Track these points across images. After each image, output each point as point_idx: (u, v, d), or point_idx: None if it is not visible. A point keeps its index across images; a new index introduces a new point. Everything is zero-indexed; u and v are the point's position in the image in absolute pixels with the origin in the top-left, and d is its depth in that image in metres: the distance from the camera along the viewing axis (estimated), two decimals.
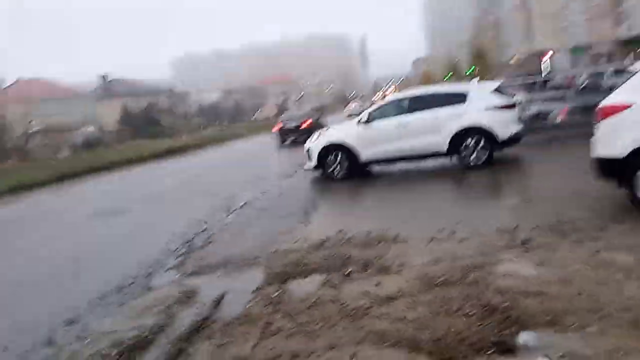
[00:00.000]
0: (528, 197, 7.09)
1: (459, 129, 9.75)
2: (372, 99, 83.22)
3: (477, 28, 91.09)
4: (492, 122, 9.65)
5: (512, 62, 59.20)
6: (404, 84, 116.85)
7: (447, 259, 4.90)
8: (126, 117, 58.84)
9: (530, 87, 18.27)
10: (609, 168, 5.61)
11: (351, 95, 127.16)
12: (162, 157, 25.86)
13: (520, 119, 10.56)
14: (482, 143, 9.68)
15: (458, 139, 9.78)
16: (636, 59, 46.51)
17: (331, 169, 10.85)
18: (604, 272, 4.05)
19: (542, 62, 69.02)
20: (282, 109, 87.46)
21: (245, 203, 9.58)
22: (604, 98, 5.85)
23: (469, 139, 9.73)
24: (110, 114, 58.84)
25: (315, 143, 11.24)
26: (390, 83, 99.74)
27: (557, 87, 27.02)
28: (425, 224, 6.30)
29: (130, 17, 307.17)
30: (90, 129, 56.05)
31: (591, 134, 5.83)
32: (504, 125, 9.68)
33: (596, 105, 5.90)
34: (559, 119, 15.59)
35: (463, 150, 9.82)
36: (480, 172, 9.49)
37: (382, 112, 10.73)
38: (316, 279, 4.94)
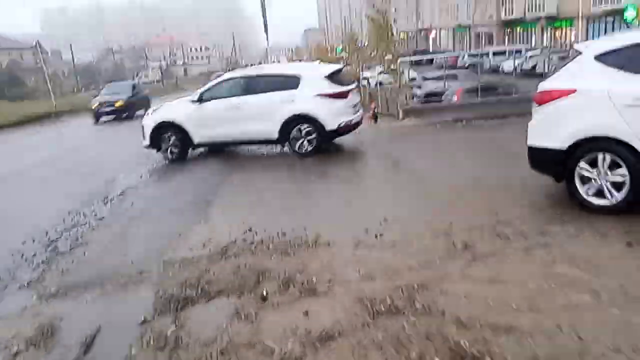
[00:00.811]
0: (449, 186, 6.49)
1: (289, 115, 9.22)
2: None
3: (368, 2, 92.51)
4: (320, 110, 9.12)
5: (400, 37, 60.65)
6: (296, 54, 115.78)
7: (383, 272, 4.06)
8: None
9: (418, 65, 18.27)
10: (548, 160, 5.12)
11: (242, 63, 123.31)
12: (22, 124, 22.24)
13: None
14: (310, 132, 9.23)
15: (288, 127, 9.28)
16: (510, 40, 50.38)
17: (166, 149, 10.13)
18: (571, 293, 3.46)
19: (429, 40, 72.15)
20: (166, 72, 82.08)
21: (126, 189, 8.01)
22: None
23: (298, 127, 9.25)
24: None
25: (147, 120, 10.34)
26: (282, 53, 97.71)
27: (441, 66, 27.48)
28: (342, 218, 5.46)
29: None
30: None
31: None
32: (333, 115, 9.14)
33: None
34: (454, 99, 15.70)
35: (292, 139, 9.34)
36: (398, 151, 8.95)
37: (216, 92, 9.91)
38: (224, 306, 3.83)
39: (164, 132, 10.02)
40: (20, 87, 46.91)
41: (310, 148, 9.26)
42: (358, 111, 9.84)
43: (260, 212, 6.02)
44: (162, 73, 78.81)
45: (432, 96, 16.82)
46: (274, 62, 19.57)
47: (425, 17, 73.72)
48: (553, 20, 42.62)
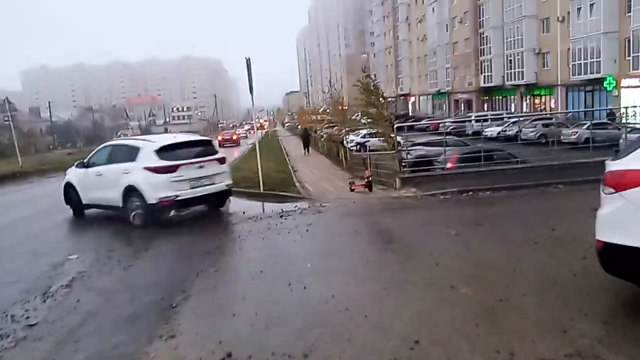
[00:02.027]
0: (482, 282, 5.16)
1: (124, 186, 9.52)
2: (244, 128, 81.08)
3: (349, 66, 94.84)
4: (143, 183, 9.25)
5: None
6: (277, 115, 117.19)
7: None
8: None
9: (399, 130, 17.52)
10: (631, 262, 3.85)
11: (223, 122, 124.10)
12: None
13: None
14: (138, 204, 9.35)
15: (127, 197, 9.49)
16: (490, 107, 51.18)
17: (72, 207, 11.20)
18: None
19: (408, 104, 73.36)
20: (146, 132, 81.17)
21: (73, 278, 6.42)
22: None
23: (131, 198, 9.43)
24: None
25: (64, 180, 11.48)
26: (263, 113, 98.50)
27: (423, 130, 26.76)
28: (359, 338, 4.03)
29: None
30: None
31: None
32: (154, 189, 9.16)
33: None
34: (448, 165, 14.73)
35: (129, 209, 9.49)
36: (402, 230, 7.55)
37: (95, 159, 10.79)
38: None
39: (69, 192, 11.13)
40: None
41: (138, 221, 9.36)
42: (197, 187, 9.57)
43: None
44: (141, 132, 77.89)
45: (421, 161, 15.74)
46: (256, 122, 18.65)
47: (404, 83, 75.28)
48: (532, 88, 43.40)
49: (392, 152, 14.43)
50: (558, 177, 11.24)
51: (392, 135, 14.59)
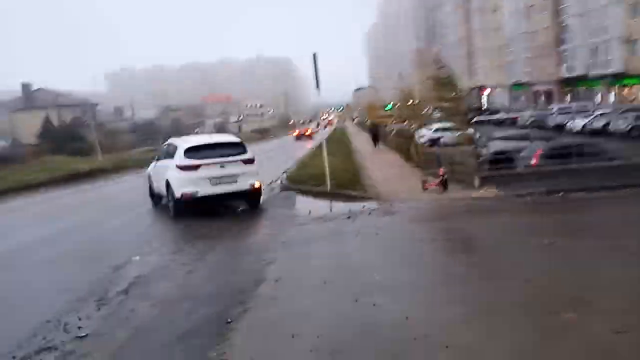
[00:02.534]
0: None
1: (165, 179, 10.63)
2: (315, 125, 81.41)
3: (420, 60, 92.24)
4: (173, 179, 10.28)
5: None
6: (345, 112, 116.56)
7: None
8: (47, 130, 53.03)
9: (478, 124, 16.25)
10: None
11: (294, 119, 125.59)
12: (66, 181, 21.44)
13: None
14: (171, 197, 10.30)
15: (167, 189, 10.58)
16: (574, 99, 47.60)
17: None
18: None
19: (482, 97, 70.12)
20: (221, 129, 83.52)
21: (131, 284, 6.15)
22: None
23: (169, 191, 10.43)
24: (31, 127, 52.61)
25: None
26: (332, 110, 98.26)
27: (499, 123, 24.91)
28: None
29: (65, 29, 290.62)
30: (1, 143, 50.05)
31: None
32: (179, 184, 10.07)
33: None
34: (532, 162, 13.42)
35: (168, 201, 10.59)
36: (492, 240, 6.69)
37: (161, 154, 11.96)
38: None
39: (149, 182, 12.69)
40: (80, 142, 47.97)
41: (171, 212, 10.43)
42: (218, 185, 10.19)
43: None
44: (216, 130, 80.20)
45: (501, 157, 14.45)
46: (325, 118, 18.43)
47: (479, 75, 72.04)
48: (620, 78, 39.78)
49: (469, 147, 13.35)
50: None
51: (469, 129, 13.49)
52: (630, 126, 25.12)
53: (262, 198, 11.23)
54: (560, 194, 9.40)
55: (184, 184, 9.99)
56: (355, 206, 10.11)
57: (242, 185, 10.37)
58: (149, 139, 74.74)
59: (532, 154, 13.84)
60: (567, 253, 5.80)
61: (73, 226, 10.87)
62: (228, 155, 10.41)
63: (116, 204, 14.30)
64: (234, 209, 11.11)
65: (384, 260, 6.30)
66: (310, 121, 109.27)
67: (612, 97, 41.56)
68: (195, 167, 10.03)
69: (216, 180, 10.13)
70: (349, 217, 8.94)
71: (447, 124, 28.35)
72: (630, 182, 9.62)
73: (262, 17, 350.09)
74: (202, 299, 5.30)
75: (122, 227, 10.45)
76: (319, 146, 15.34)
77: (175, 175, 10.18)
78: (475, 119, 15.44)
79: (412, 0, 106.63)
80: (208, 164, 10.10)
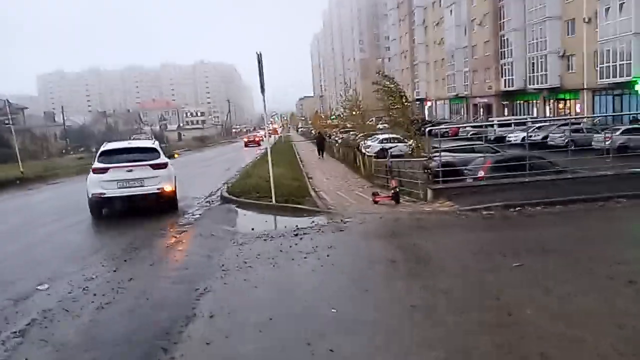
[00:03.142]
0: None
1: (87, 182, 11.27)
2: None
3: (364, 71, 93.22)
4: (87, 181, 11.10)
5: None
6: (291, 120, 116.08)
7: None
8: None
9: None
10: None
11: (236, 127, 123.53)
12: None
13: None
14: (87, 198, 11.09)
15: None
16: (510, 112, 49.25)
17: None
18: None
19: (424, 109, 71.54)
20: (159, 136, 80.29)
21: (30, 322, 4.95)
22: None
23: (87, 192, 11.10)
24: None
25: None
26: (277, 117, 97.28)
27: (441, 135, 25.04)
28: None
29: None
30: None
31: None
32: (91, 186, 10.88)
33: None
34: (480, 174, 13.14)
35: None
36: (457, 266, 5.99)
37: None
38: None
39: None
40: (7, 148, 44.20)
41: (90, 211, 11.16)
42: (124, 187, 10.73)
43: None
44: (154, 137, 77.06)
45: (448, 170, 14.08)
46: (269, 127, 17.67)
47: (420, 87, 73.55)
48: (556, 92, 41.50)
49: (421, 159, 12.89)
50: (616, 189, 9.59)
51: (420, 140, 13.03)
52: (567, 139, 25.96)
53: (179, 203, 11.76)
54: (516, 209, 8.97)
55: (95, 186, 10.77)
56: (303, 221, 9.26)
57: (150, 188, 10.84)
58: (81, 145, 70.72)
59: (481, 166, 13.58)
60: (540, 276, 5.20)
61: None
62: (138, 160, 11.02)
63: (25, 218, 12.66)
64: (164, 220, 10.03)
65: (338, 288, 5.46)
66: (254, 129, 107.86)
67: (547, 111, 43.26)
68: (104, 170, 10.78)
69: (123, 182, 10.74)
70: (296, 234, 8.07)
71: (393, 135, 28.44)
72: (584, 195, 9.37)
73: (206, 23, 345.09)
74: (112, 346, 4.23)
75: (36, 245, 9.04)
76: (264, 155, 14.44)
77: (89, 177, 11.03)
78: (424, 129, 15.02)
79: (356, 11, 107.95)
80: (116, 168, 10.78)
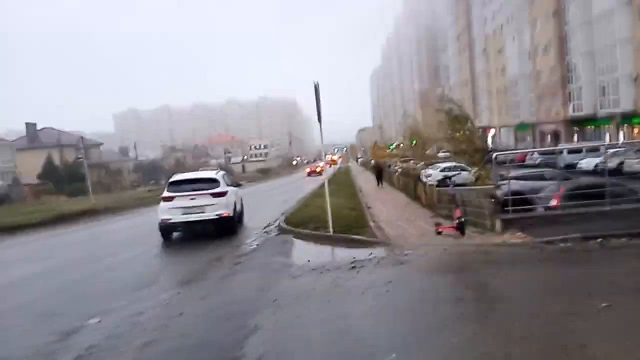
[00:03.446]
0: None
1: None
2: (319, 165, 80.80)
3: (424, 100, 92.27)
4: (158, 208, 12.56)
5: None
6: (351, 151, 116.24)
7: None
8: (48, 170, 52.34)
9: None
10: None
11: (298, 158, 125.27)
12: (57, 222, 20.20)
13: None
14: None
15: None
16: (580, 138, 46.56)
17: None
18: None
19: (487, 138, 69.42)
20: (224, 169, 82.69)
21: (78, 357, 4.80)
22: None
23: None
24: (33, 166, 51.94)
25: None
26: (336, 150, 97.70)
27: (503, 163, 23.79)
28: None
29: (74, 71, 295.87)
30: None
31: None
32: (160, 212, 12.23)
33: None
34: (553, 203, 12.13)
35: None
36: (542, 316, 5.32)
37: None
38: None
39: None
40: (80, 182, 47.11)
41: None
42: (188, 214, 11.94)
43: None
44: (221, 169, 79.28)
45: (518, 198, 13.10)
46: (328, 158, 17.53)
47: (483, 116, 71.57)
48: (630, 117, 38.83)
49: (487, 186, 12.12)
50: None
51: (485, 167, 12.28)
52: None
53: (238, 228, 13.13)
54: (598, 240, 8.07)
55: (163, 212, 12.09)
56: (361, 253, 8.79)
57: (210, 215, 12.00)
58: (151, 178, 74.05)
59: (553, 194, 12.58)
60: (633, 321, 4.45)
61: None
62: (200, 190, 12.20)
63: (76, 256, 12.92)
64: (221, 250, 9.93)
65: (397, 330, 4.93)
66: (315, 161, 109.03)
67: (621, 137, 40.52)
68: (170, 199, 12.07)
69: (186, 209, 11.94)
70: (353, 267, 7.62)
71: (454, 163, 27.48)
72: None
73: (268, 59, 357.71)
74: None
75: (88, 278, 9.12)
76: (322, 186, 14.30)
77: (160, 204, 12.34)
78: (488, 158, 14.23)
79: (416, 43, 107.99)
80: (181, 196, 12.02)
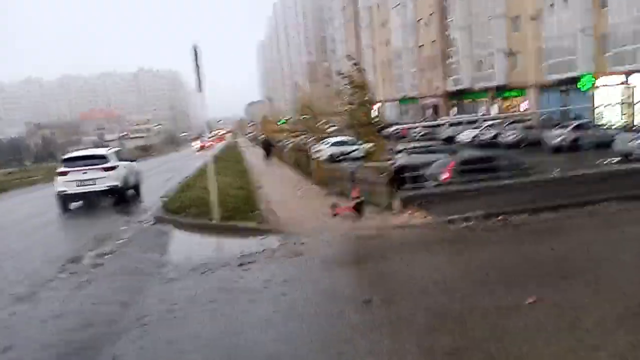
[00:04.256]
0: None
1: None
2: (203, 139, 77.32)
3: (312, 73, 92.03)
4: (54, 182, 13.97)
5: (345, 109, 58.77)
6: (239, 126, 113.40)
7: None
8: None
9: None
10: None
11: (182, 135, 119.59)
12: None
13: None
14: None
15: None
16: (458, 112, 49.23)
17: None
18: None
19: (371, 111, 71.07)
20: (99, 147, 76.10)
21: None
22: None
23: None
24: None
25: None
26: (222, 124, 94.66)
27: (387, 137, 24.05)
28: None
29: None
30: None
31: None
32: (57, 185, 13.59)
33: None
34: (443, 176, 11.94)
35: None
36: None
37: None
38: None
39: None
40: None
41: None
42: (81, 186, 13.36)
43: None
44: (95, 147, 72.74)
45: (407, 173, 12.69)
46: (215, 134, 16.22)
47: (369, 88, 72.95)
48: (502, 90, 41.61)
49: (380, 162, 11.51)
50: (599, 191, 8.57)
51: (380, 141, 11.68)
52: (518, 137, 25.61)
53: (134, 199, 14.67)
54: (499, 218, 7.73)
55: (59, 185, 13.46)
56: (251, 244, 7.65)
57: (100, 186, 13.38)
58: (13, 160, 65.78)
59: (443, 167, 12.37)
60: (566, 321, 3.85)
61: None
62: (91, 165, 13.54)
63: None
64: (79, 246, 8.16)
65: (302, 348, 3.90)
66: (199, 137, 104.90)
67: (495, 109, 43.34)
68: (65, 173, 13.44)
69: (80, 182, 13.32)
70: (241, 264, 6.46)
71: (344, 138, 27.12)
72: (569, 200, 8.26)
73: (148, 30, 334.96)
74: None
75: None
76: (209, 163, 12.75)
77: (56, 179, 13.66)
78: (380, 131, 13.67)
79: (301, 15, 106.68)
80: (74, 171, 13.39)
